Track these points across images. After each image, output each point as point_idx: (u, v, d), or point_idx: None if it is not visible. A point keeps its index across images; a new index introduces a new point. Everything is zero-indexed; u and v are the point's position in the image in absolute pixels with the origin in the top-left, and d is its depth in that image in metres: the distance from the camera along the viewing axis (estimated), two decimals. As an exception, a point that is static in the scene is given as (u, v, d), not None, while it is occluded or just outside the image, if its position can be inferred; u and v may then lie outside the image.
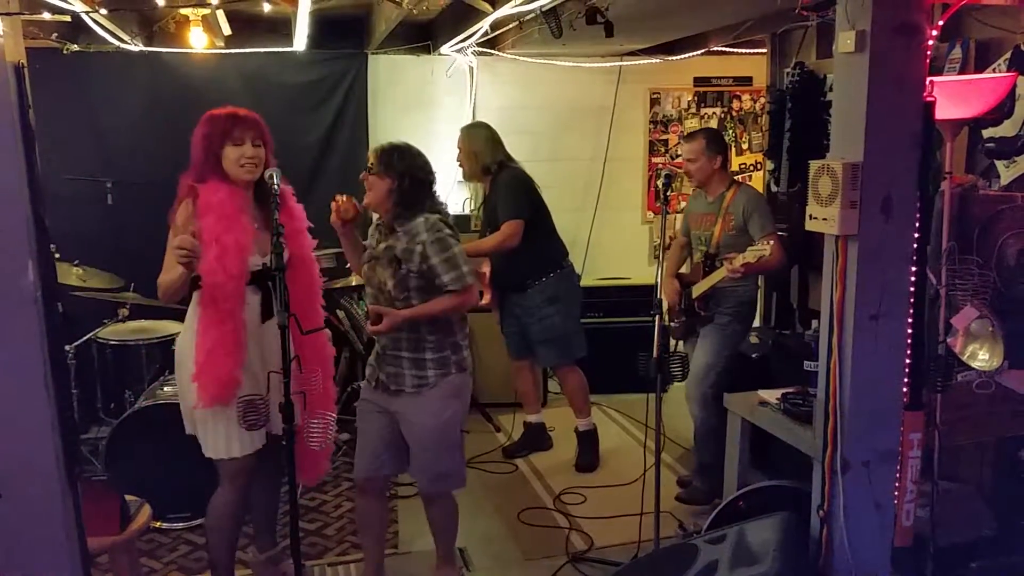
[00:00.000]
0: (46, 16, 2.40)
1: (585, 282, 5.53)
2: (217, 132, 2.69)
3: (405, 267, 2.75)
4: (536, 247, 4.12)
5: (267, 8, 3.79)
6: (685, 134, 3.95)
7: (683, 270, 4.01)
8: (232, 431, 2.70)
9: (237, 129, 2.70)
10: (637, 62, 5.61)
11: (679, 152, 5.94)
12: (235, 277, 2.64)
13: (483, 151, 4.16)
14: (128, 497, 2.80)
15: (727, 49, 5.10)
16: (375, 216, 2.94)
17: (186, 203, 2.67)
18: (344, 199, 2.85)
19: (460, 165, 4.27)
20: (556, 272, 4.21)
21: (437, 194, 2.90)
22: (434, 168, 2.89)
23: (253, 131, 2.73)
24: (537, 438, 4.55)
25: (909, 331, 2.46)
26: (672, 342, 3.74)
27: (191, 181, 2.69)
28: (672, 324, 3.86)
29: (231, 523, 2.88)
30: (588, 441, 4.39)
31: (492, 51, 5.21)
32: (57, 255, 3.91)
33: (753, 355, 4.13)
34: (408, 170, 2.78)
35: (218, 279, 2.61)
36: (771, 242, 3.36)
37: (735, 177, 3.95)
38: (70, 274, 4.04)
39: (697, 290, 3.72)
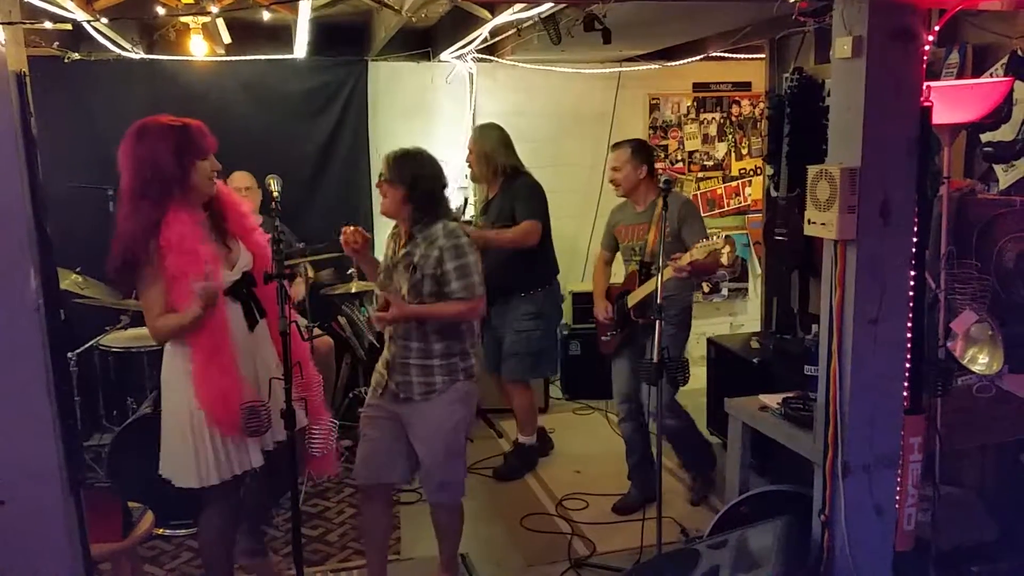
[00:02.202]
0: (47, 25, 2.40)
1: (586, 287, 5.55)
2: (191, 145, 2.51)
3: (420, 272, 2.77)
4: (533, 258, 4.10)
5: (267, 16, 3.82)
6: (611, 144, 3.87)
7: (612, 281, 3.93)
8: (212, 457, 2.57)
9: (204, 140, 2.56)
10: (636, 68, 5.63)
11: (679, 157, 5.98)
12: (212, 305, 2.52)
13: (495, 152, 4.14)
14: (130, 504, 2.80)
15: (726, 54, 5.12)
16: (390, 228, 2.96)
17: (151, 245, 2.45)
18: (351, 231, 2.88)
19: (469, 165, 4.25)
20: (545, 287, 4.21)
21: (448, 200, 2.91)
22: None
23: (212, 143, 2.59)
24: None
25: (908, 335, 2.47)
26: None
27: (155, 206, 2.46)
28: (604, 338, 3.83)
29: (223, 544, 2.81)
30: (523, 455, 4.39)
31: (491, 57, 5.22)
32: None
33: (754, 360, 4.13)
34: (420, 177, 2.79)
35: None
36: (724, 236, 3.22)
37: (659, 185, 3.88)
38: (71, 282, 4.04)
39: (634, 297, 3.61)
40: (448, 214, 2.86)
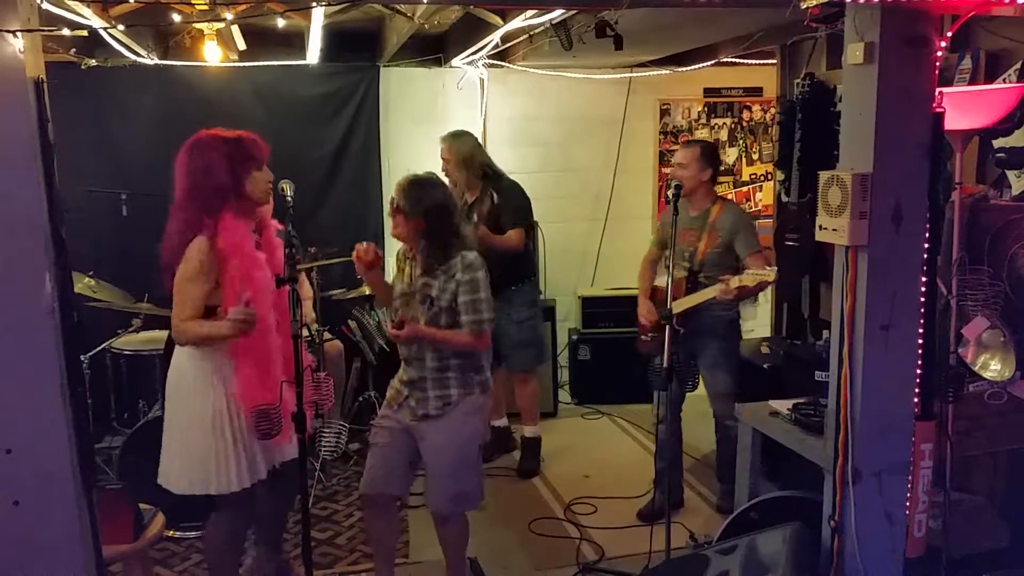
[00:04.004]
0: (65, 32, 2.43)
1: (595, 292, 5.57)
2: (242, 155, 2.61)
3: (438, 306, 2.80)
4: (522, 253, 4.30)
5: (281, 22, 3.84)
6: (684, 141, 3.89)
7: (657, 284, 3.95)
8: (235, 464, 2.64)
9: (257, 151, 2.66)
10: (647, 73, 5.63)
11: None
12: (269, 309, 2.64)
13: (474, 156, 4.21)
14: (142, 506, 2.82)
15: (737, 60, 5.11)
16: (398, 246, 3.00)
17: (202, 242, 2.55)
18: (364, 248, 2.90)
19: (447, 174, 4.22)
20: (531, 279, 4.41)
21: (464, 230, 2.91)
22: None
23: (266, 153, 2.71)
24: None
25: (920, 341, 2.46)
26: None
27: (205, 211, 2.56)
28: (644, 338, 3.84)
29: (232, 553, 2.86)
30: (533, 448, 4.47)
31: (503, 63, 5.24)
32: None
33: (765, 365, 4.12)
34: (433, 206, 2.79)
35: (261, 314, 2.59)
36: (771, 266, 3.33)
37: (720, 194, 3.90)
38: (84, 285, 4.08)
39: (679, 306, 3.59)
40: (462, 241, 2.85)
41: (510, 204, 4.21)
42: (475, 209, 4.22)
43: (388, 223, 5.10)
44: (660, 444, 3.87)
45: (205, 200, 2.57)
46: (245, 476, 2.66)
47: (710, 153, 3.76)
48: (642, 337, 3.87)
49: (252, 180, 2.63)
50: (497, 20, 3.89)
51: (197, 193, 2.58)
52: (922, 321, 2.45)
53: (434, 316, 2.81)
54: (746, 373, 4.24)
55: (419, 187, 2.82)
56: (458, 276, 2.78)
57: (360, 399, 4.70)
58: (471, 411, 2.87)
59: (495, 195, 4.19)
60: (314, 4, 3.04)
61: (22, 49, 1.98)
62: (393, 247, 3.17)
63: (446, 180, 4.30)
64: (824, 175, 2.43)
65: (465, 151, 4.20)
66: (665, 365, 2.99)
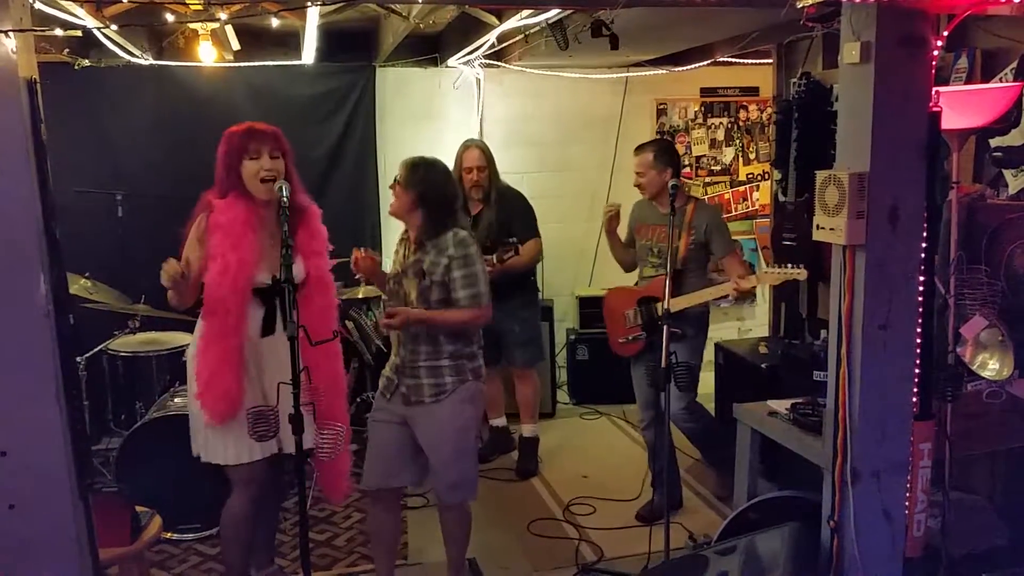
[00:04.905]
0: (58, 32, 2.42)
1: (593, 292, 5.56)
2: (235, 148, 2.75)
3: (429, 279, 2.80)
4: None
5: (276, 22, 3.83)
6: (636, 146, 3.84)
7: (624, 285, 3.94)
8: (242, 437, 2.71)
9: (253, 143, 2.75)
10: (643, 73, 5.63)
11: (686, 162, 5.97)
12: (236, 293, 2.69)
13: (495, 169, 4.29)
14: (139, 508, 2.81)
15: (734, 59, 5.11)
16: (398, 234, 3.02)
17: (201, 218, 2.75)
18: (361, 256, 2.97)
19: (475, 184, 4.19)
20: (531, 279, 4.49)
21: (460, 212, 2.93)
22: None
23: (270, 144, 2.77)
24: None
25: (918, 341, 2.46)
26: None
27: (213, 197, 2.76)
28: (621, 341, 3.79)
29: (246, 528, 2.89)
30: (531, 448, 4.50)
31: (499, 63, 5.23)
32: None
33: (763, 365, 4.12)
34: (432, 185, 2.83)
35: (219, 294, 2.67)
36: (800, 267, 3.29)
37: (690, 192, 3.93)
38: (80, 287, 4.06)
39: (675, 306, 3.46)
40: (458, 222, 2.88)
41: (519, 215, 4.24)
42: (483, 221, 4.20)
43: (385, 223, 5.17)
44: (653, 448, 3.85)
45: (218, 187, 2.79)
46: (245, 452, 2.76)
47: (664, 152, 3.70)
48: (619, 340, 3.81)
49: (244, 169, 2.75)
50: (493, 20, 3.88)
51: (215, 182, 2.81)
52: (920, 320, 2.44)
53: (425, 289, 2.81)
54: (744, 373, 4.25)
55: (421, 164, 2.88)
56: (450, 251, 2.79)
57: (358, 400, 4.68)
58: (466, 399, 2.87)
59: (498, 208, 4.21)
60: (309, 4, 3.03)
61: (15, 49, 1.98)
62: (391, 247, 3.17)
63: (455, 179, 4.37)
64: (821, 175, 2.43)
65: (492, 163, 4.26)
66: (663, 365, 2.98)
